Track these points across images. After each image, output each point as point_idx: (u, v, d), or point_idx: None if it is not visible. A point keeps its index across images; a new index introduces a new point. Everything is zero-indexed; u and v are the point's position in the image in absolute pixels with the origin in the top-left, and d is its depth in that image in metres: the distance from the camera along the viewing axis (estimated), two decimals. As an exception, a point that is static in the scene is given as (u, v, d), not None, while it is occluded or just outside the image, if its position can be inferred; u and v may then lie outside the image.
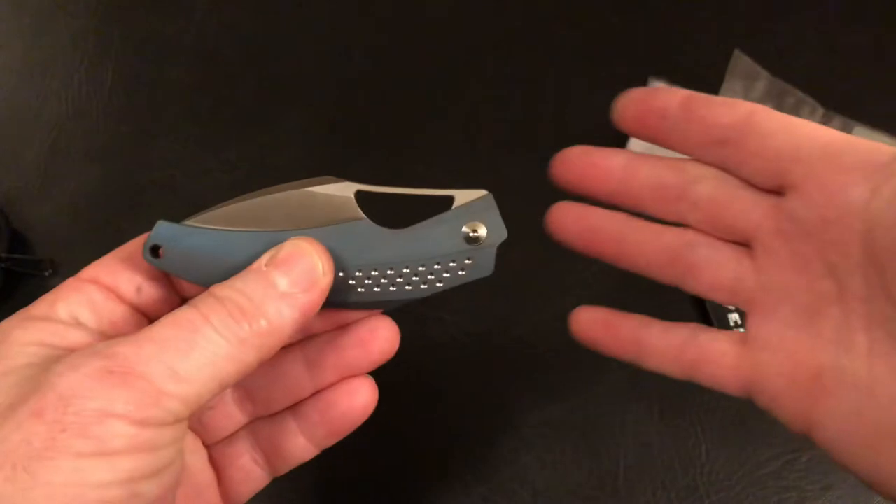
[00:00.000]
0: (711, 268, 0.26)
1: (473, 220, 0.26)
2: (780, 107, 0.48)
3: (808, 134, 0.23)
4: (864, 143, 0.22)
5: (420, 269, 0.26)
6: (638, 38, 0.52)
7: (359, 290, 0.26)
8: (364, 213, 0.26)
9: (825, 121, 0.48)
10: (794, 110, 0.48)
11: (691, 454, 0.43)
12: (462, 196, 0.26)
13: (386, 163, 0.50)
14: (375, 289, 0.26)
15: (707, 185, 0.26)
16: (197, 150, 0.51)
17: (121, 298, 0.25)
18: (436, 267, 0.25)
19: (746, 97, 0.49)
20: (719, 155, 0.25)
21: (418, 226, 0.26)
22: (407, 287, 0.26)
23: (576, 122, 0.50)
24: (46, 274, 0.48)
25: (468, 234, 0.26)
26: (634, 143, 0.48)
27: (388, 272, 0.25)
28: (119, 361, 0.21)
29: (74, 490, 0.19)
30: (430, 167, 0.49)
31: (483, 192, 0.26)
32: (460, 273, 0.26)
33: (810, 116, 0.48)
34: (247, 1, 0.55)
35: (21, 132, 0.52)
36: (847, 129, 0.48)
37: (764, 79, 0.49)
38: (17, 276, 0.48)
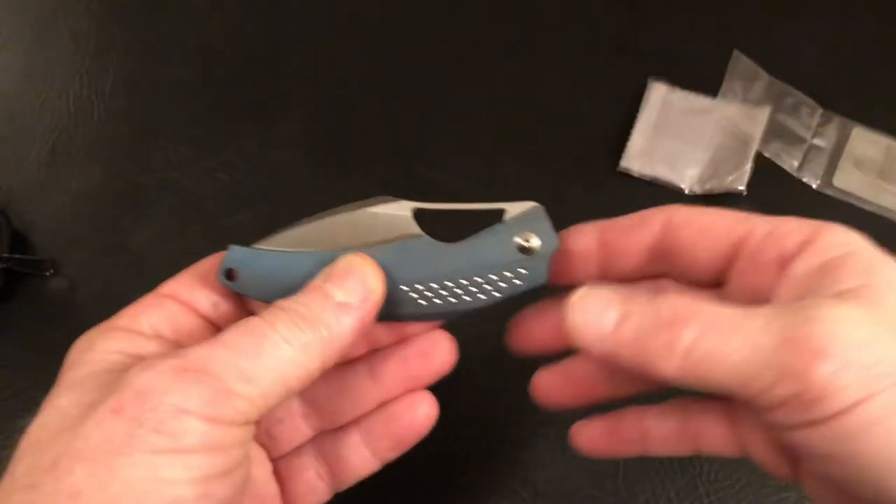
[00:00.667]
0: None
1: (525, 230, 0.27)
2: (779, 107, 0.49)
3: (724, 232, 0.24)
4: (777, 234, 0.23)
5: (477, 280, 0.27)
6: (638, 38, 0.52)
7: (419, 302, 0.27)
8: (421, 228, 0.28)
9: (824, 121, 0.48)
10: (793, 111, 0.49)
11: (691, 454, 0.43)
12: (513, 209, 0.27)
13: (386, 163, 0.50)
14: (436, 301, 0.27)
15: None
16: (197, 150, 0.51)
17: (197, 313, 0.27)
18: (491, 277, 0.27)
19: (745, 98, 0.49)
20: (655, 270, 0.26)
21: (472, 239, 0.27)
22: (465, 298, 0.27)
23: (576, 122, 0.50)
24: (47, 274, 0.48)
25: (521, 244, 0.27)
26: (635, 141, 0.48)
27: (447, 284, 0.27)
28: (192, 360, 0.22)
29: (150, 486, 0.20)
30: (430, 167, 0.49)
31: (533, 204, 0.27)
32: (515, 283, 0.27)
33: (809, 117, 0.48)
34: (247, 1, 0.55)
35: (22, 132, 0.52)
36: (846, 130, 0.48)
37: (763, 79, 0.49)
38: (18, 276, 0.48)
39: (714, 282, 0.25)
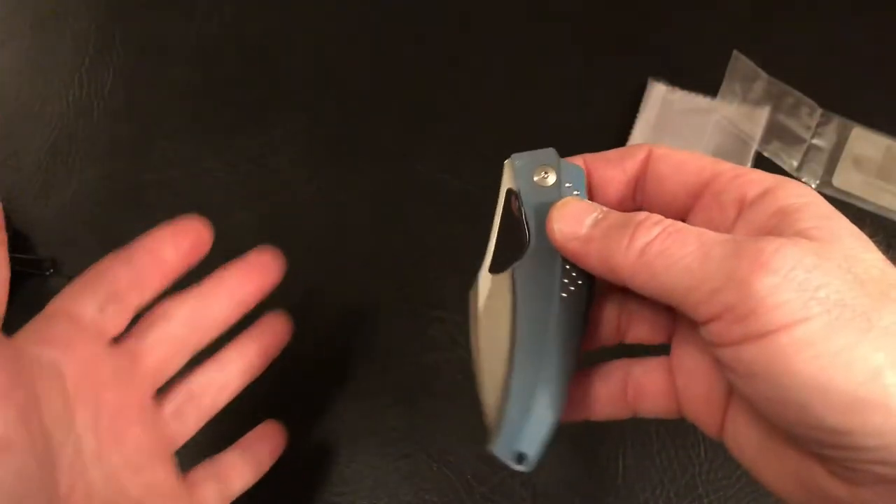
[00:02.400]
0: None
1: (539, 167, 0.27)
2: (778, 107, 0.49)
3: (695, 170, 0.26)
4: (741, 180, 0.24)
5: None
6: (638, 38, 0.52)
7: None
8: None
9: (824, 121, 0.48)
10: (793, 111, 0.49)
11: (690, 453, 0.43)
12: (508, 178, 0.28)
13: (386, 163, 0.50)
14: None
15: None
16: (197, 150, 0.51)
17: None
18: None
19: (745, 98, 0.49)
20: (636, 202, 0.28)
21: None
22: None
23: (576, 121, 0.50)
24: (48, 273, 0.48)
25: (540, 177, 0.27)
26: (635, 141, 0.48)
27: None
28: None
29: None
30: (430, 167, 0.50)
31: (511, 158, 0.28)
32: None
33: (809, 117, 0.48)
34: (247, 1, 0.55)
35: (22, 132, 0.52)
36: (845, 130, 0.48)
37: (762, 80, 0.49)
38: (19, 275, 0.48)
39: (681, 215, 0.26)
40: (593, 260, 0.24)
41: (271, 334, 0.37)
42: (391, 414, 0.45)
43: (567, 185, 0.27)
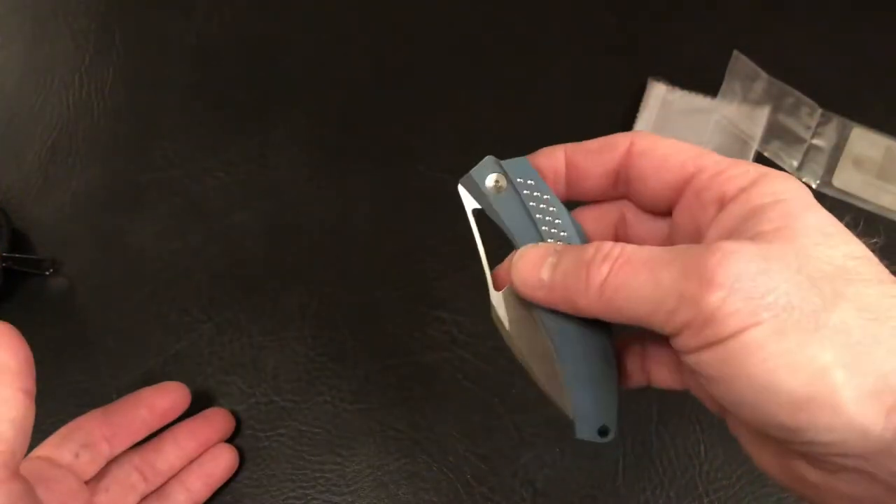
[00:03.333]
0: None
1: (488, 174, 0.28)
2: (778, 107, 0.49)
3: (678, 167, 0.26)
4: (722, 178, 0.25)
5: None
6: (638, 38, 0.52)
7: None
8: None
9: (824, 121, 0.48)
10: (793, 111, 0.49)
11: (690, 453, 0.43)
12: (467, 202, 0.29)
13: (386, 163, 0.50)
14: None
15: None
16: (197, 150, 0.51)
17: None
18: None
19: (745, 98, 0.49)
20: (618, 192, 0.28)
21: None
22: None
23: (576, 122, 0.50)
24: (48, 273, 0.48)
25: (493, 186, 0.28)
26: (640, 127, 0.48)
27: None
28: None
29: None
30: (430, 167, 0.49)
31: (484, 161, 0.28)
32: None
33: (809, 117, 0.48)
34: (247, 1, 0.55)
35: (22, 132, 0.52)
36: (845, 130, 0.48)
37: (762, 79, 0.49)
38: (18, 275, 0.48)
39: (667, 211, 0.27)
40: (562, 305, 0.25)
41: (216, 465, 0.43)
42: (391, 414, 0.45)
43: (519, 180, 0.27)
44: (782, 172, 0.24)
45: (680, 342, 0.22)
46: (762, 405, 0.21)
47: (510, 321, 0.27)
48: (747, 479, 0.42)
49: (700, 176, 0.25)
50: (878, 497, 0.21)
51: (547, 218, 0.27)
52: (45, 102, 0.53)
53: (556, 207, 0.27)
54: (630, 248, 0.24)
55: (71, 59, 0.54)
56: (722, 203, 0.24)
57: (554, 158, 0.28)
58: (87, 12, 0.55)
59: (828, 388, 0.20)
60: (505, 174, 0.28)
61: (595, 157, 0.27)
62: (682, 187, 0.26)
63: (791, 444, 0.21)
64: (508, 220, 0.27)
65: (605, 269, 0.23)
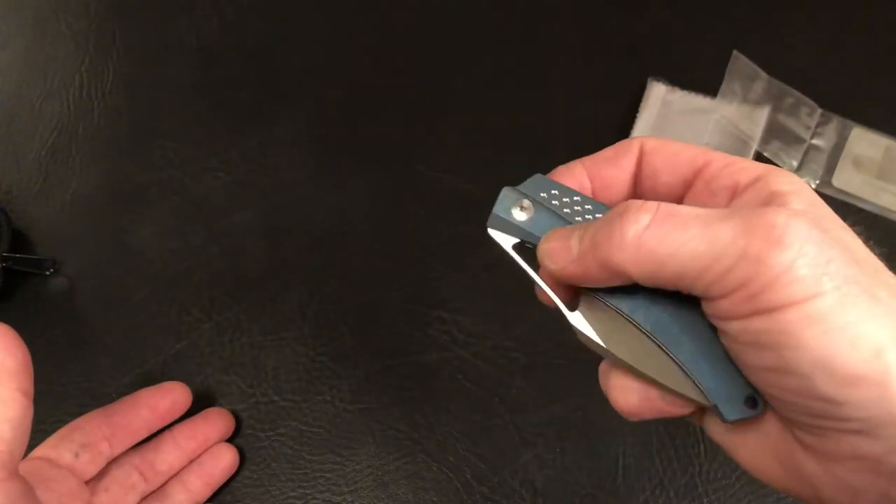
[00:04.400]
0: None
1: (515, 202, 0.27)
2: (778, 107, 0.49)
3: (687, 161, 0.26)
4: (733, 168, 0.25)
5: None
6: (638, 38, 0.52)
7: None
8: None
9: (823, 121, 0.48)
10: (793, 111, 0.49)
11: (690, 453, 0.43)
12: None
13: (386, 163, 0.50)
14: None
15: None
16: (197, 150, 0.51)
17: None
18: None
19: (745, 98, 0.49)
20: (632, 196, 0.28)
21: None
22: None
23: (576, 121, 0.50)
24: (47, 273, 0.48)
25: (521, 212, 0.27)
26: (637, 136, 0.48)
27: None
28: None
29: None
30: (430, 167, 0.50)
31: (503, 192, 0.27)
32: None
33: (809, 117, 0.48)
34: (247, 1, 0.55)
35: (22, 132, 0.52)
36: (845, 130, 0.48)
37: (762, 79, 0.49)
38: (18, 275, 0.48)
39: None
40: (595, 271, 0.24)
41: (216, 465, 0.43)
42: (391, 414, 0.45)
43: (542, 195, 0.27)
44: (783, 169, 0.24)
45: (727, 305, 0.21)
46: (813, 377, 0.20)
47: (598, 333, 0.26)
48: (747, 478, 0.42)
49: (710, 167, 0.25)
50: (881, 487, 0.21)
51: (587, 217, 0.26)
52: (45, 102, 0.53)
53: (591, 205, 0.26)
54: (669, 204, 0.23)
55: (71, 59, 0.54)
56: (735, 191, 0.24)
57: (576, 174, 0.28)
58: (87, 12, 0.55)
59: (882, 367, 0.20)
60: (527, 197, 0.27)
61: (612, 164, 0.27)
62: (692, 179, 0.26)
63: (818, 419, 0.21)
64: None
65: (642, 218, 0.22)
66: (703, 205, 0.25)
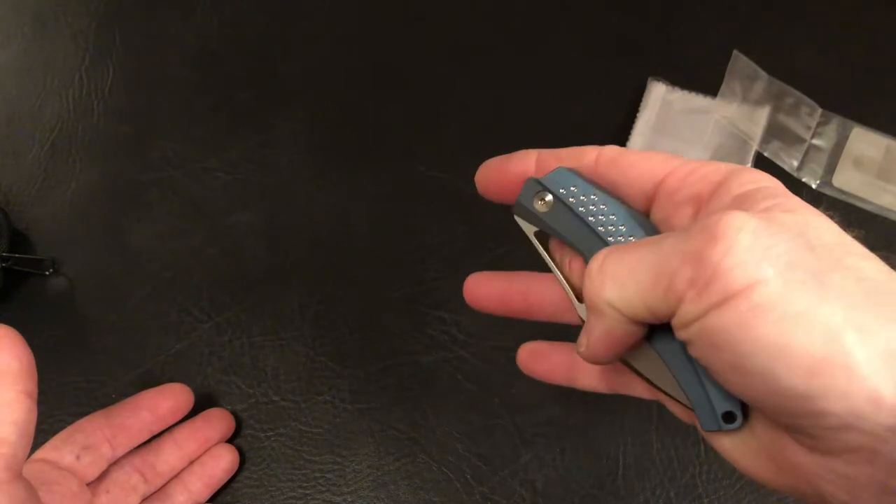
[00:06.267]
0: None
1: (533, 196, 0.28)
2: (778, 107, 0.49)
3: (648, 173, 0.26)
4: (693, 178, 0.25)
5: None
6: (638, 38, 0.52)
7: None
8: None
9: (824, 121, 0.48)
10: (793, 111, 0.49)
11: (690, 453, 0.43)
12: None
13: (386, 163, 0.50)
14: None
15: None
16: (197, 150, 0.51)
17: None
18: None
19: (745, 98, 0.49)
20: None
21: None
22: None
23: (576, 121, 0.50)
24: (48, 273, 0.48)
25: (541, 205, 0.28)
26: (635, 141, 0.48)
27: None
28: None
29: None
30: (430, 167, 0.50)
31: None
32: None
33: (809, 117, 0.48)
34: (247, 1, 0.55)
35: (21, 132, 0.52)
36: (845, 130, 0.48)
37: (762, 79, 0.49)
38: (18, 275, 0.48)
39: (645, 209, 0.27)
40: (603, 332, 0.25)
41: (216, 466, 0.43)
42: (391, 414, 0.45)
43: (562, 191, 0.27)
44: (747, 167, 0.24)
45: (685, 312, 0.21)
46: (774, 370, 0.20)
47: (631, 356, 0.27)
48: (747, 479, 0.42)
49: (670, 178, 0.25)
50: (879, 480, 0.20)
51: (601, 217, 0.26)
52: (45, 102, 0.53)
53: (607, 205, 0.26)
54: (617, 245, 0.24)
55: (71, 59, 0.54)
56: (698, 201, 0.24)
57: (526, 162, 0.28)
58: (87, 12, 0.55)
59: (842, 350, 0.19)
60: (548, 190, 0.27)
61: (563, 163, 0.27)
62: (654, 193, 0.26)
63: (798, 418, 0.21)
64: (566, 232, 0.27)
65: (601, 255, 0.24)
66: (669, 218, 0.25)
